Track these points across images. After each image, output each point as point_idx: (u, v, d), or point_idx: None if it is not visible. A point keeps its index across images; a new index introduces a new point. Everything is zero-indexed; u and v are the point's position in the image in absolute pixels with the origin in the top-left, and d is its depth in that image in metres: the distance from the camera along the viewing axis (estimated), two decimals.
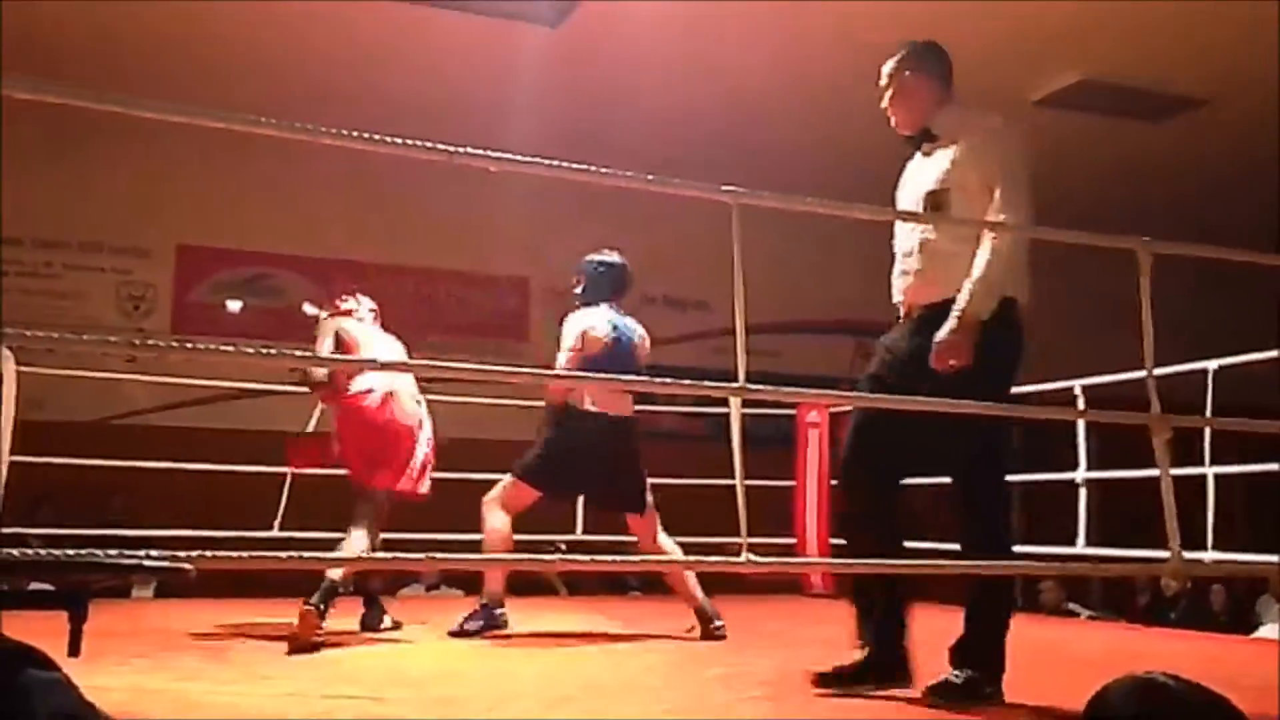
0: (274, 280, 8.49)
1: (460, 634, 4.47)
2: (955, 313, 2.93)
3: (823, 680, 3.14)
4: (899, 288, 3.21)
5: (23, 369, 3.62)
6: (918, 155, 3.26)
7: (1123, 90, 7.45)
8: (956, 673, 3.05)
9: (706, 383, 2.67)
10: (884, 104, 3.26)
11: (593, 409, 4.60)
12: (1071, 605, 8.00)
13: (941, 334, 2.92)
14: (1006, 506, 3.21)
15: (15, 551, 1.99)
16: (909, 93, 3.21)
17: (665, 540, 4.73)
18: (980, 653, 3.06)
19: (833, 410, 7.09)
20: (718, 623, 4.68)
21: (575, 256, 9.11)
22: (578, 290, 4.94)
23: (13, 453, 4.70)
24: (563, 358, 4.65)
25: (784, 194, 2.70)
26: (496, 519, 4.59)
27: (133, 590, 6.23)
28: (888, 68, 3.27)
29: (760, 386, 2.59)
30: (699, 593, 4.71)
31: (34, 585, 2.13)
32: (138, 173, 8.02)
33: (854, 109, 7.87)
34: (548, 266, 9.19)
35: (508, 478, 4.66)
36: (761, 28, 6.50)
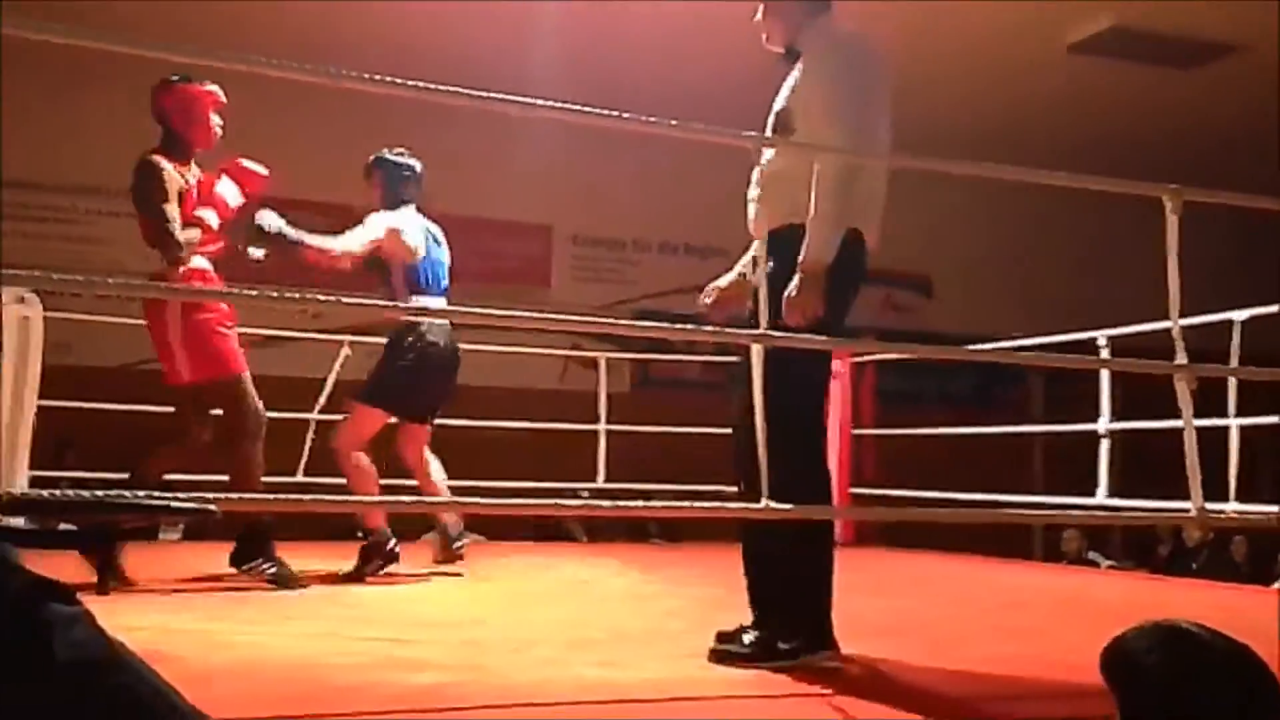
0: (294, 226, 8.48)
1: (358, 578, 4.36)
2: (800, 266, 2.65)
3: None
4: (749, 219, 2.88)
5: (50, 314, 3.68)
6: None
7: (1155, 36, 7.33)
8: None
9: (729, 329, 2.66)
10: (756, 18, 2.98)
11: (437, 337, 4.59)
12: (1092, 555, 8.02)
13: (790, 289, 2.64)
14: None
15: (45, 492, 2.01)
16: (775, 7, 2.94)
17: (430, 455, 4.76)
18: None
19: (855, 360, 7.06)
20: (462, 542, 4.70)
21: (600, 203, 9.18)
22: (387, 191, 4.70)
23: (40, 396, 4.76)
24: (355, 245, 4.51)
25: (801, 142, 2.66)
26: (359, 458, 4.50)
27: (160, 532, 6.32)
28: None
29: (782, 334, 2.57)
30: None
31: (62, 526, 2.17)
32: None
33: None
34: (570, 213, 9.18)
35: (364, 410, 4.56)
36: None
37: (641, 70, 7.87)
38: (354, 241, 4.53)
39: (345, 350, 6.02)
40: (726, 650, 2.71)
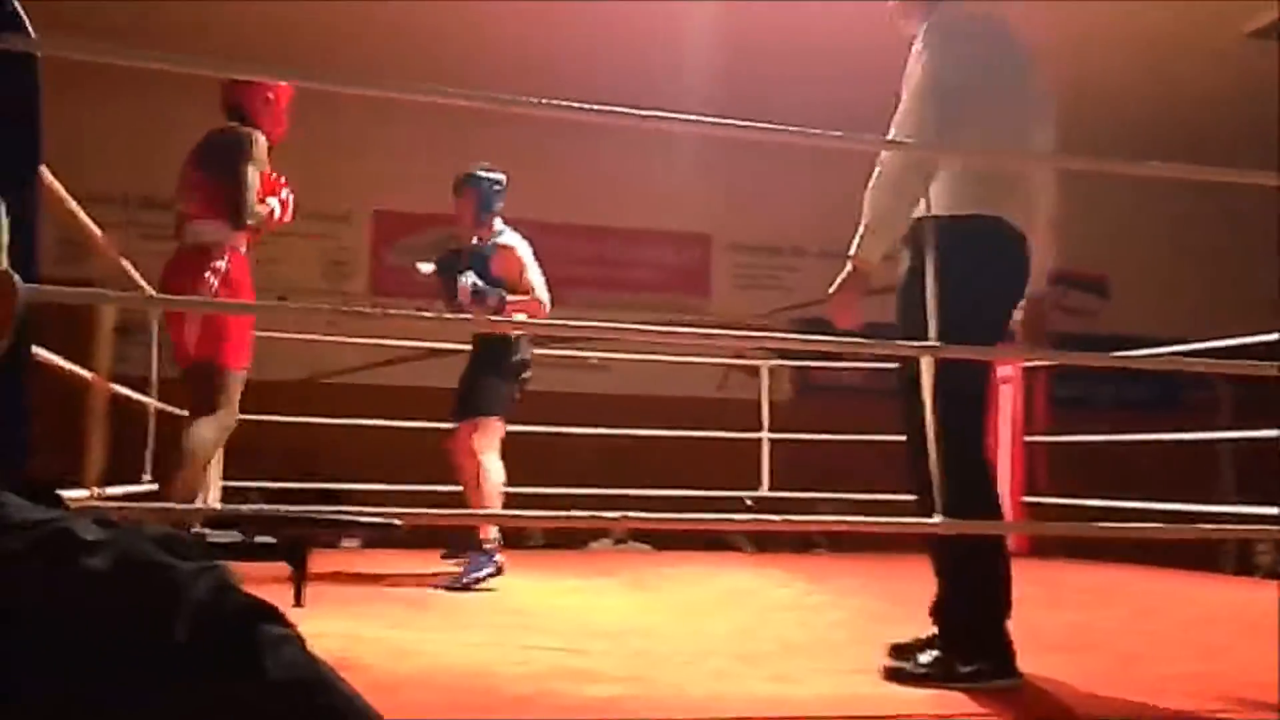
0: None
1: (464, 588, 4.40)
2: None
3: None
4: None
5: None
6: None
7: None
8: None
9: (897, 341, 2.64)
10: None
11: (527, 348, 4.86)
12: None
13: (831, 289, 2.67)
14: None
15: (244, 508, 2.15)
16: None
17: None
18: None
19: (1026, 365, 6.86)
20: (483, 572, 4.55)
21: (756, 212, 9.16)
22: (481, 207, 4.85)
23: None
24: (541, 282, 4.77)
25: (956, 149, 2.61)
26: (498, 463, 4.67)
27: (341, 540, 6.59)
28: None
29: (954, 347, 2.53)
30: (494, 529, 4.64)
31: (259, 539, 2.30)
32: (337, 141, 8.37)
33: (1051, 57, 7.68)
34: (729, 221, 9.19)
35: (491, 422, 4.71)
36: None
37: (793, 71, 7.82)
38: (543, 286, 4.77)
39: None
40: (902, 669, 2.67)
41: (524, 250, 4.81)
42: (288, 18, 7.13)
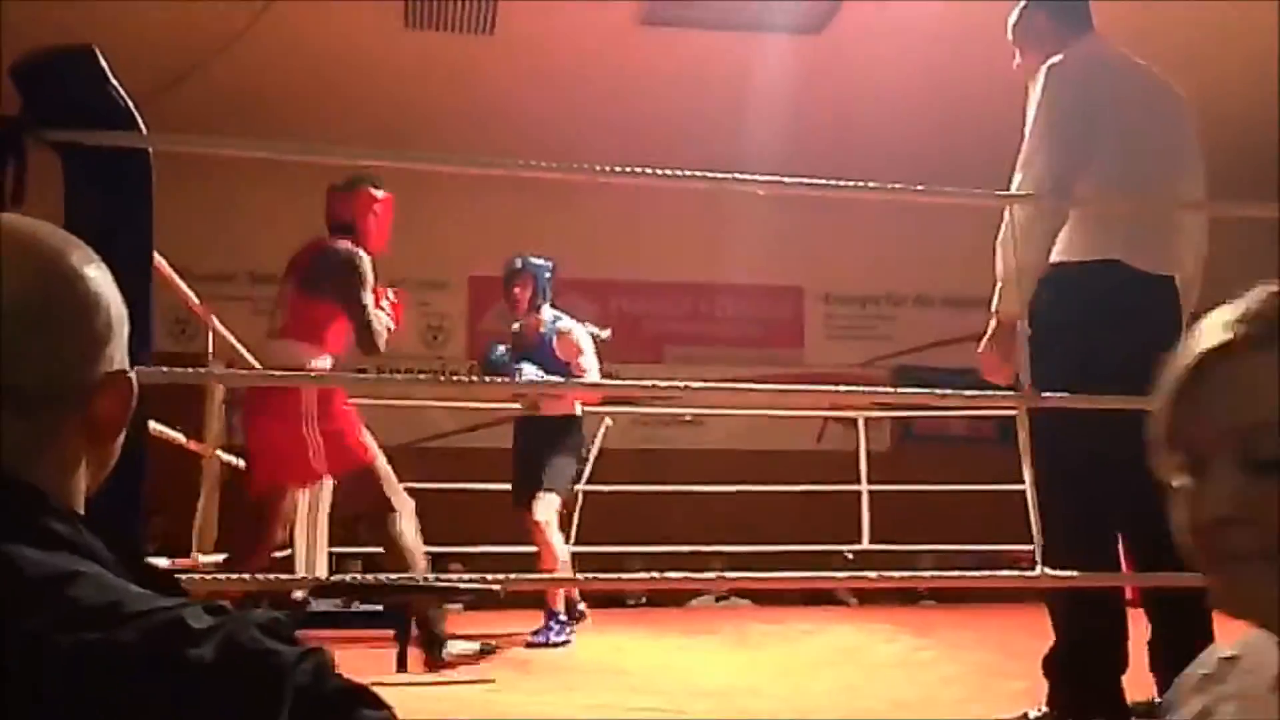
0: (561, 304, 8.85)
1: (543, 644, 4.58)
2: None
3: None
4: None
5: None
6: None
7: None
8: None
9: (990, 392, 2.61)
10: (1015, 62, 2.94)
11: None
12: None
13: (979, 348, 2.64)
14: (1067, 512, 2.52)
15: (348, 577, 2.21)
16: (1021, 43, 2.88)
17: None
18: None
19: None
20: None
21: (847, 262, 9.13)
22: (537, 297, 4.97)
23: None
24: (594, 366, 4.87)
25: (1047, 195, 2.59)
26: (559, 537, 4.71)
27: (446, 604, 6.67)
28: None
29: (1052, 394, 2.49)
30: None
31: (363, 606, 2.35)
32: (432, 209, 8.57)
33: None
34: (820, 272, 9.16)
35: (554, 498, 4.72)
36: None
37: (879, 123, 7.81)
38: (596, 371, 4.88)
39: (608, 422, 6.22)
40: None
41: (581, 335, 4.93)
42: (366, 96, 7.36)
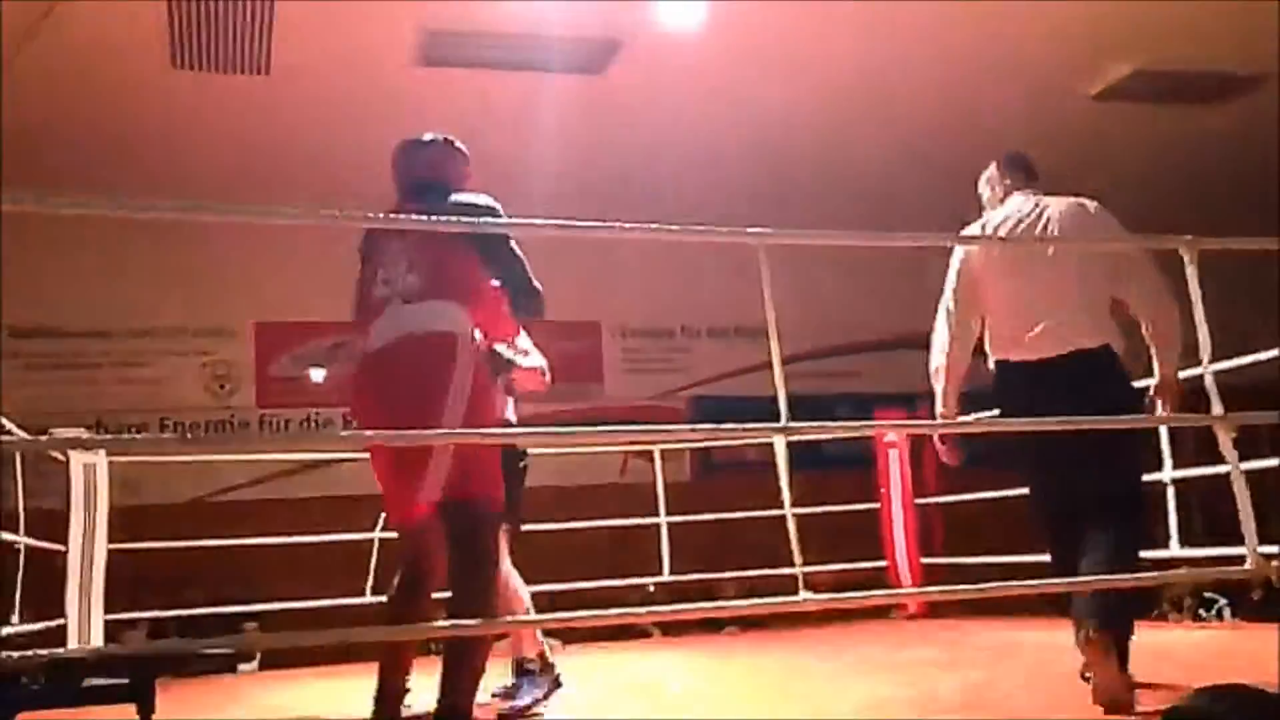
0: (353, 347, 8.66)
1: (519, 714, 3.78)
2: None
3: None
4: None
5: (116, 459, 3.78)
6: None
7: (1177, 75, 7.30)
8: None
9: (748, 425, 2.68)
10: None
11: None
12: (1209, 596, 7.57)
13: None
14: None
15: (62, 650, 2.06)
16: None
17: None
18: None
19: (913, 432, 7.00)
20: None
21: (642, 297, 9.27)
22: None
23: (111, 539, 4.87)
24: (537, 352, 4.06)
25: (809, 230, 2.70)
26: (514, 572, 3.95)
27: (238, 665, 6.40)
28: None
29: (805, 424, 2.58)
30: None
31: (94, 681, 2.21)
32: (212, 256, 8.27)
33: (892, 140, 7.95)
34: (616, 307, 9.26)
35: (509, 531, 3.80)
36: (799, 61, 6.54)
37: (658, 163, 7.97)
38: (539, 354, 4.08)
39: None
40: None
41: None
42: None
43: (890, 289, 9.53)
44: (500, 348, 3.81)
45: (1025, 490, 3.70)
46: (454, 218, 2.85)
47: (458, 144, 3.22)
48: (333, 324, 8.65)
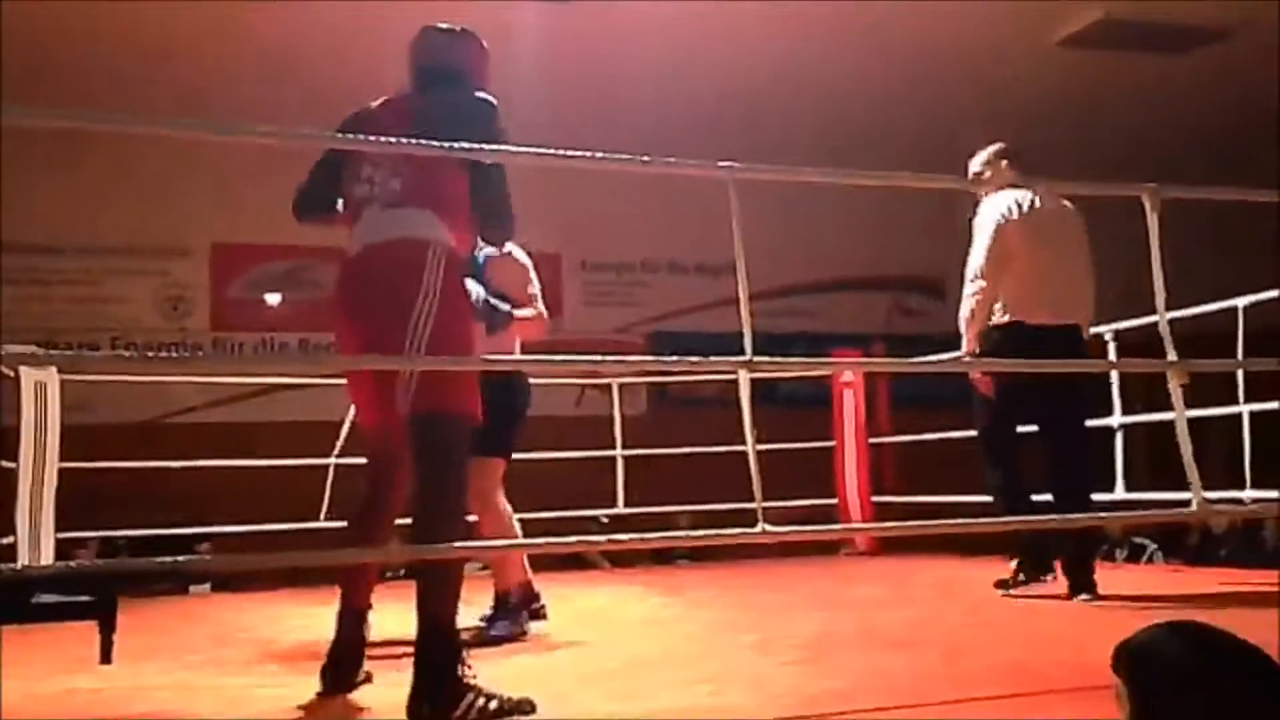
0: (310, 273, 8.58)
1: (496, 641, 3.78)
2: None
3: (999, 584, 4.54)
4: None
5: (71, 378, 3.70)
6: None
7: (1145, 25, 7.33)
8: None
9: (714, 358, 2.70)
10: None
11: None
12: (1140, 540, 7.76)
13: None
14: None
15: (25, 565, 2.05)
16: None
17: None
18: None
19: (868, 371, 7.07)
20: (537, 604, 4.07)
21: (603, 230, 9.23)
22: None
23: (64, 458, 4.83)
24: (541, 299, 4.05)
25: (779, 165, 2.71)
26: (508, 506, 4.02)
27: (190, 586, 6.40)
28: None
29: (768, 359, 2.61)
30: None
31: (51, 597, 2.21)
32: (168, 174, 8.13)
33: (859, 82, 7.92)
34: (577, 239, 9.23)
35: (492, 462, 3.88)
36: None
37: (628, 93, 7.91)
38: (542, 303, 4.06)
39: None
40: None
41: (526, 259, 4.09)
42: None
43: (849, 230, 9.59)
44: (496, 300, 3.82)
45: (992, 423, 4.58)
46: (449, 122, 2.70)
47: (482, 39, 3.06)
48: (291, 247, 8.57)
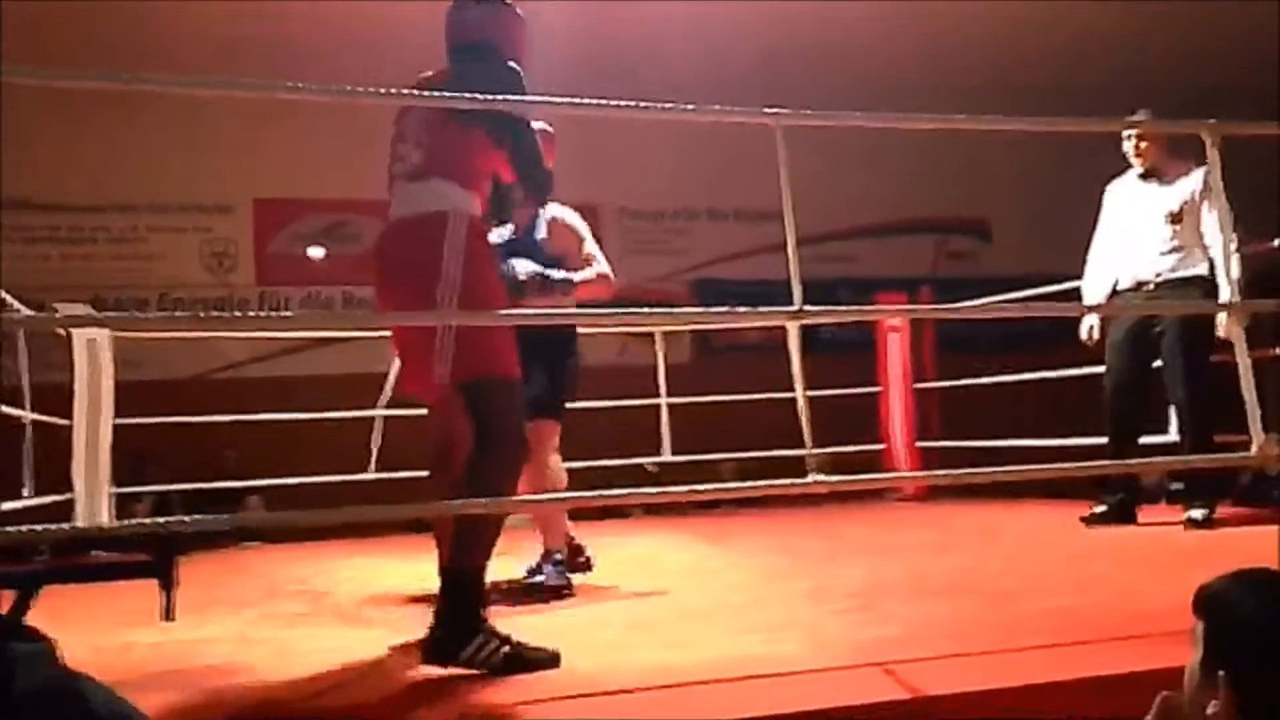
0: (351, 227, 8.61)
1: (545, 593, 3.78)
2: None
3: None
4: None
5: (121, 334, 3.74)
6: (1142, 182, 5.05)
7: None
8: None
9: (762, 308, 2.67)
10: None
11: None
12: (1175, 486, 7.69)
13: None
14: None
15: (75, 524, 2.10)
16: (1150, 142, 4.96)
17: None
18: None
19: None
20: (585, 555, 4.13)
21: (641, 178, 9.16)
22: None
23: (117, 414, 4.89)
24: (599, 253, 4.05)
25: (826, 110, 2.66)
26: (562, 468, 4.04)
27: (243, 541, 6.50)
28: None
29: (818, 308, 2.58)
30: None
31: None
32: (209, 132, 8.15)
33: (888, 27, 7.76)
34: (615, 188, 9.17)
35: (548, 425, 3.92)
36: None
37: (669, 41, 7.82)
38: (603, 258, 4.03)
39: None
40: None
41: (576, 220, 4.04)
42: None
43: (890, 174, 9.46)
44: (553, 271, 3.81)
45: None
46: (477, 94, 2.70)
47: (516, 8, 2.98)
48: (331, 201, 8.59)
